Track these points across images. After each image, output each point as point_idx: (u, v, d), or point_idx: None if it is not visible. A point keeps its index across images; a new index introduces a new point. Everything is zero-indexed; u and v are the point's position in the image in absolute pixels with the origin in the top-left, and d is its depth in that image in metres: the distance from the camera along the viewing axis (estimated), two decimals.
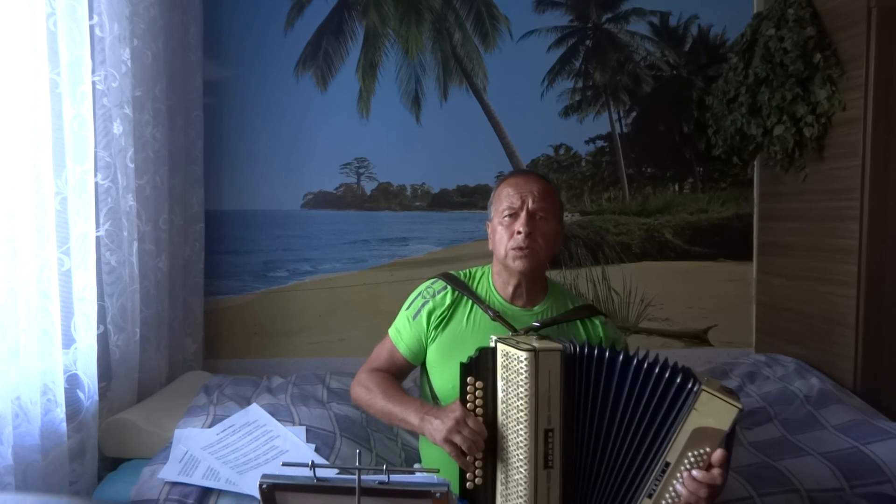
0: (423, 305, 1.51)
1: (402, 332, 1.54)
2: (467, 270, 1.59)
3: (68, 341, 1.68)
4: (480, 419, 1.24)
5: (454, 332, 1.49)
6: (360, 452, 0.93)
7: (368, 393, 1.49)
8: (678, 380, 1.17)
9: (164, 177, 2.21)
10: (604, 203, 2.77)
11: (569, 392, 1.22)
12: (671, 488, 1.17)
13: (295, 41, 2.66)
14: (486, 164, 2.70)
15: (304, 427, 1.75)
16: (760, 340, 2.68)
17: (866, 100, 1.98)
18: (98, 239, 1.83)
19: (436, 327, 1.50)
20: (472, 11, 2.69)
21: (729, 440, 1.15)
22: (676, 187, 2.77)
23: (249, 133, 2.66)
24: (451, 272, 1.58)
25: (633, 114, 2.74)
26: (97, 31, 1.82)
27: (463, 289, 1.52)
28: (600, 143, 2.74)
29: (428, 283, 1.57)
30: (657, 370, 1.19)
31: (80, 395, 1.71)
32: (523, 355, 1.19)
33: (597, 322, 1.52)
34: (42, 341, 1.55)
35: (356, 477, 0.87)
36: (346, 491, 0.88)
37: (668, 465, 1.17)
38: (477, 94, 2.70)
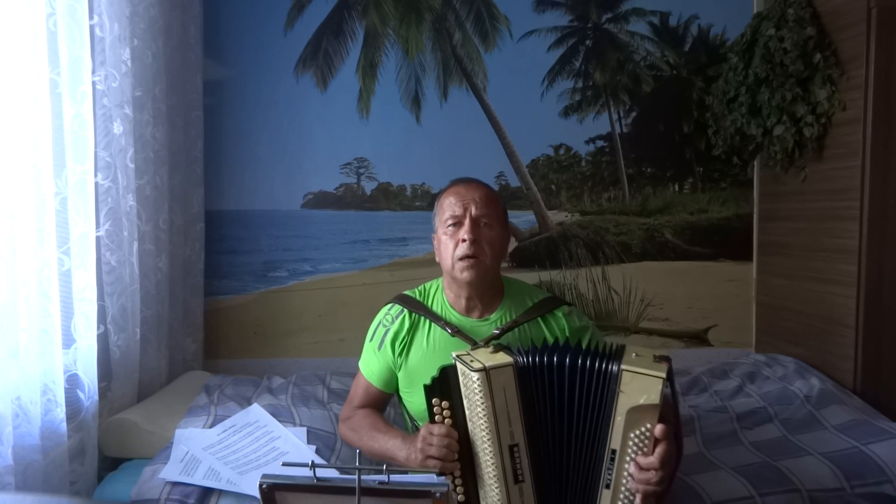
0: (385, 334, 1.51)
1: (372, 364, 1.54)
2: (422, 287, 1.58)
3: (68, 341, 1.68)
4: (449, 422, 1.23)
5: (418, 354, 1.48)
6: (360, 452, 0.93)
7: (354, 433, 1.50)
8: (604, 367, 1.18)
9: (164, 177, 2.21)
10: (604, 203, 2.77)
11: (528, 404, 1.21)
12: (625, 473, 1.16)
13: (295, 41, 2.66)
14: (486, 164, 2.69)
15: (305, 428, 1.76)
16: (760, 340, 2.68)
17: (866, 100, 1.98)
18: (98, 239, 1.83)
19: (400, 353, 1.49)
20: (472, 11, 2.69)
21: (670, 406, 1.13)
22: (676, 187, 2.77)
23: (249, 133, 2.66)
24: (406, 292, 1.57)
25: (633, 114, 2.74)
26: (97, 31, 1.82)
27: (419, 309, 1.51)
28: (600, 143, 2.74)
29: (385, 309, 1.56)
30: (588, 362, 1.19)
31: (81, 395, 1.71)
32: (475, 376, 1.18)
33: (559, 314, 1.49)
34: (42, 341, 1.55)
35: (356, 477, 0.87)
36: (346, 491, 0.88)
37: (614, 452, 1.16)
38: (477, 94, 2.70)
